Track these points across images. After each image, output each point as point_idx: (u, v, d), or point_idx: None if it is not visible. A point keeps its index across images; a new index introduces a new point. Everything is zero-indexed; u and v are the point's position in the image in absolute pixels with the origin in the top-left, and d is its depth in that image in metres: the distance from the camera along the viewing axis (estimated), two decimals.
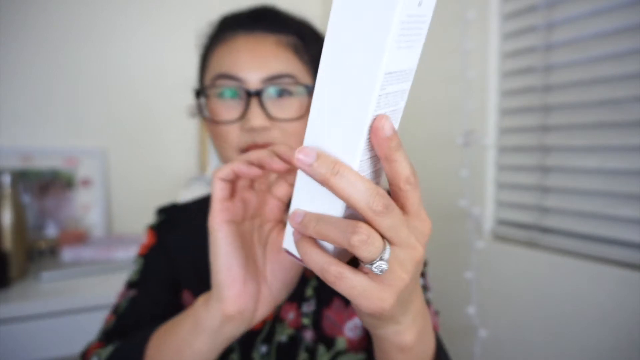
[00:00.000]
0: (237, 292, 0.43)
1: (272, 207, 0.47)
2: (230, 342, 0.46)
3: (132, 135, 1.59)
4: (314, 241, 0.33)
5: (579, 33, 0.90)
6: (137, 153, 1.59)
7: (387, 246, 0.30)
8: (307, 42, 0.61)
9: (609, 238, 0.86)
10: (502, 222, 1.09)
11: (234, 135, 0.57)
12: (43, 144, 1.46)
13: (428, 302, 0.64)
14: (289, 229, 0.37)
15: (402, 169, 0.30)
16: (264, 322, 0.63)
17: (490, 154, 1.09)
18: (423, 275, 0.65)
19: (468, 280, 1.11)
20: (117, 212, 1.57)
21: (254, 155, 0.42)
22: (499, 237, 1.08)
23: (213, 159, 1.68)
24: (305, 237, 0.33)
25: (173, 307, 0.63)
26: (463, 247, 1.13)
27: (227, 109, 0.57)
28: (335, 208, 0.32)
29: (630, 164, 0.82)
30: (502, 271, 1.04)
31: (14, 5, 1.41)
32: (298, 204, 0.35)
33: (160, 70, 1.62)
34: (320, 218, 0.31)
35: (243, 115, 0.56)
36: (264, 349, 0.61)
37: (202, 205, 0.69)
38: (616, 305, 0.82)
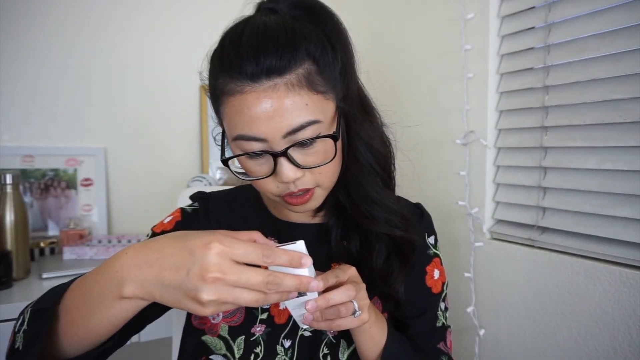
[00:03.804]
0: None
1: None
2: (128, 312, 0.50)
3: (132, 136, 1.59)
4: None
5: (578, 33, 0.91)
6: (137, 153, 1.60)
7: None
8: (319, 58, 0.56)
9: (606, 237, 0.86)
10: (501, 222, 1.09)
11: (271, 186, 0.59)
12: (44, 144, 1.47)
13: (445, 324, 0.72)
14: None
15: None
16: (288, 317, 0.66)
17: (489, 154, 1.09)
18: (444, 298, 0.74)
19: (467, 280, 1.11)
20: (117, 212, 1.57)
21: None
22: (497, 237, 1.09)
23: (214, 159, 1.68)
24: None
25: None
26: (462, 246, 1.14)
27: (258, 165, 0.58)
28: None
29: (627, 164, 0.83)
30: (501, 270, 1.05)
31: (17, 8, 1.41)
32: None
33: (161, 70, 1.62)
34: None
35: (274, 172, 0.56)
36: (287, 343, 0.65)
37: (229, 200, 0.75)
38: (614, 304, 0.83)
